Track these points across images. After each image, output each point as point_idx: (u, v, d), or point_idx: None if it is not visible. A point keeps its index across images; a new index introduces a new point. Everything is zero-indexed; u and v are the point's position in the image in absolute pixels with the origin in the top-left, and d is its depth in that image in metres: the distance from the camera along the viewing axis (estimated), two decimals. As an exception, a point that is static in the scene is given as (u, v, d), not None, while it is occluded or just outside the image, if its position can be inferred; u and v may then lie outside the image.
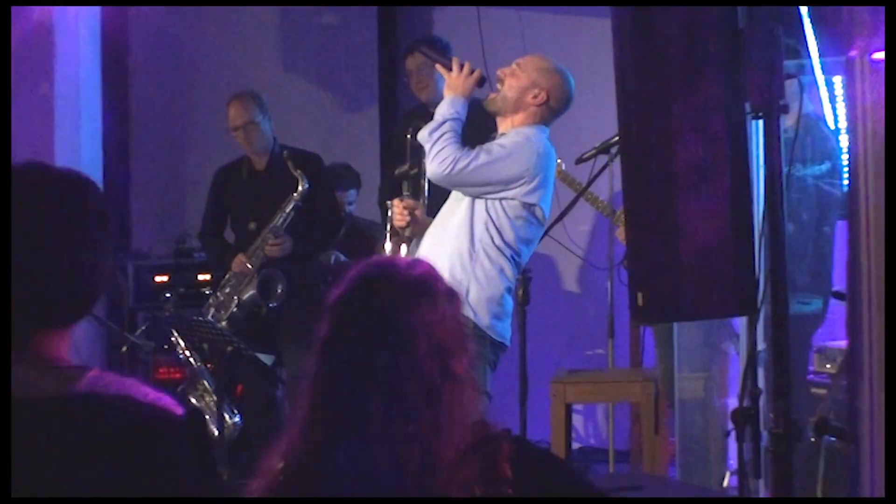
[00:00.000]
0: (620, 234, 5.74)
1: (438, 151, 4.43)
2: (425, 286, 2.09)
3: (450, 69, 4.60)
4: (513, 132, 4.54)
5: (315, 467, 2.03)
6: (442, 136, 4.45)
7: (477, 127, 4.91)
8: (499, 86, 4.58)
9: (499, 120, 4.62)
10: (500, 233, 4.49)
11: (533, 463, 2.06)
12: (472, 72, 4.59)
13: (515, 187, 4.45)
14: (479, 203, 4.50)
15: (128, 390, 1.84)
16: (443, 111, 4.53)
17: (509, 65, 4.63)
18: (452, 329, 2.08)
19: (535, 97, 4.55)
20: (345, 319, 2.06)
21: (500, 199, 4.47)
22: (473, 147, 4.54)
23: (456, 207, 4.57)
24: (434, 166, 4.43)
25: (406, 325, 2.03)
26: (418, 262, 2.19)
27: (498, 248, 4.49)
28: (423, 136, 4.51)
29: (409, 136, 5.03)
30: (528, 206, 4.47)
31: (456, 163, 4.41)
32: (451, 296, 2.11)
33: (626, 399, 5.44)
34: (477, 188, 4.47)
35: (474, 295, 4.44)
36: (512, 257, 4.52)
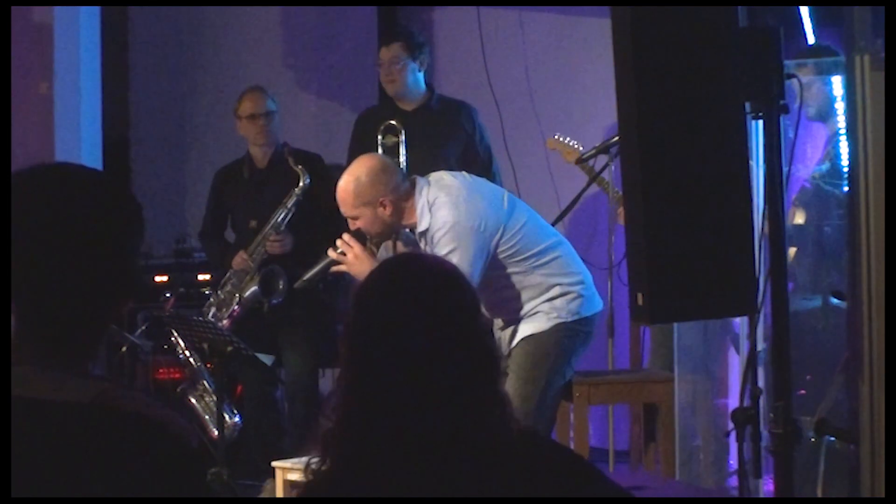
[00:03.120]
0: (621, 215, 5.80)
1: None
2: (453, 276, 2.09)
3: (339, 263, 4.66)
4: (435, 232, 4.58)
5: (362, 460, 2.02)
6: None
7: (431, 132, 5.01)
8: (369, 237, 4.66)
9: (405, 228, 4.69)
10: (520, 255, 4.69)
11: (571, 467, 2.07)
12: (355, 246, 4.63)
13: (491, 246, 4.61)
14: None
15: (140, 408, 1.85)
16: None
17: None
18: (483, 320, 2.09)
19: (385, 209, 4.57)
20: (367, 308, 2.05)
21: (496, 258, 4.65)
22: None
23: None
24: None
25: (441, 311, 2.03)
26: (443, 259, 2.21)
27: (536, 258, 4.70)
28: None
29: (380, 136, 5.05)
30: (505, 233, 4.65)
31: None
32: (473, 292, 2.12)
33: (648, 400, 5.39)
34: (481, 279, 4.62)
35: (555, 305, 4.71)
36: (546, 252, 4.76)
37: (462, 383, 2.01)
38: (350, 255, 4.60)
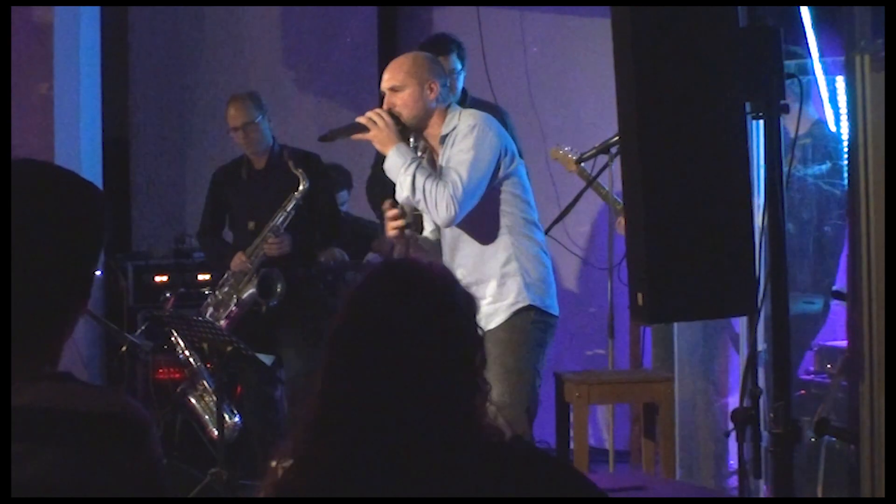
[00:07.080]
0: (620, 224, 5.78)
1: (435, 202, 4.37)
2: (449, 283, 2.09)
3: (367, 131, 4.50)
4: (460, 131, 4.48)
5: (328, 461, 2.02)
6: (423, 187, 4.39)
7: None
8: (399, 113, 4.51)
9: (426, 132, 4.56)
10: (517, 208, 4.53)
11: (545, 470, 2.06)
12: (386, 118, 4.48)
13: (500, 168, 4.49)
14: (486, 196, 4.50)
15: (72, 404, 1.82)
16: (399, 165, 4.43)
17: (396, 91, 4.51)
18: (471, 330, 2.08)
19: (431, 93, 4.51)
20: (361, 312, 2.05)
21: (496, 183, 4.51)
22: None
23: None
24: (442, 216, 4.39)
25: (426, 319, 2.03)
26: (436, 262, 2.21)
27: (525, 222, 4.54)
28: (406, 200, 4.44)
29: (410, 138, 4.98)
30: (514, 173, 4.52)
31: (454, 199, 4.37)
32: (469, 298, 2.11)
33: (648, 400, 5.39)
34: (482, 194, 4.46)
35: (532, 280, 4.50)
36: (537, 226, 4.59)
37: (451, 390, 2.01)
38: (380, 122, 4.48)
